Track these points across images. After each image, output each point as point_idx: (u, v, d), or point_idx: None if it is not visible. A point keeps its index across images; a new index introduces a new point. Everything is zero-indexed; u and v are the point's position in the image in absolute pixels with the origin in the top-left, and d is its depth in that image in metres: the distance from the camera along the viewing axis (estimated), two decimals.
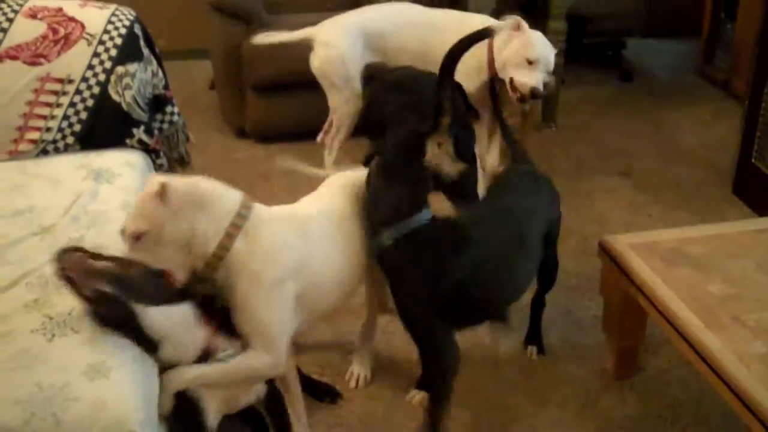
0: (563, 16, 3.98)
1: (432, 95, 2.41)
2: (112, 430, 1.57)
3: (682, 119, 4.38)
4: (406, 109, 2.62)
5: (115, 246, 2.07)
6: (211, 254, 1.89)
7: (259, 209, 2.00)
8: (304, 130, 3.76)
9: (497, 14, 3.92)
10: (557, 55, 4.04)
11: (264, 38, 3.35)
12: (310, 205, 2.20)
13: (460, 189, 2.67)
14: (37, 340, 1.75)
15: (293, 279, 1.97)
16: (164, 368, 1.89)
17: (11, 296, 1.89)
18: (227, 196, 1.95)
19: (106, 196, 2.30)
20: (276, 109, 3.95)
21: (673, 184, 3.71)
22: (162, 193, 1.82)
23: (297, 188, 3.50)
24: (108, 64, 2.60)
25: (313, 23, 4.04)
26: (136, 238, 1.85)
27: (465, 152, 2.63)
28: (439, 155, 2.55)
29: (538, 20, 4.25)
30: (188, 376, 1.87)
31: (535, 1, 4.31)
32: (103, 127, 2.57)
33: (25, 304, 1.86)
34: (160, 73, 2.79)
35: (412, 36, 3.17)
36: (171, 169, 2.86)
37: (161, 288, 1.84)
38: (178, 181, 1.87)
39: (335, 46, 3.17)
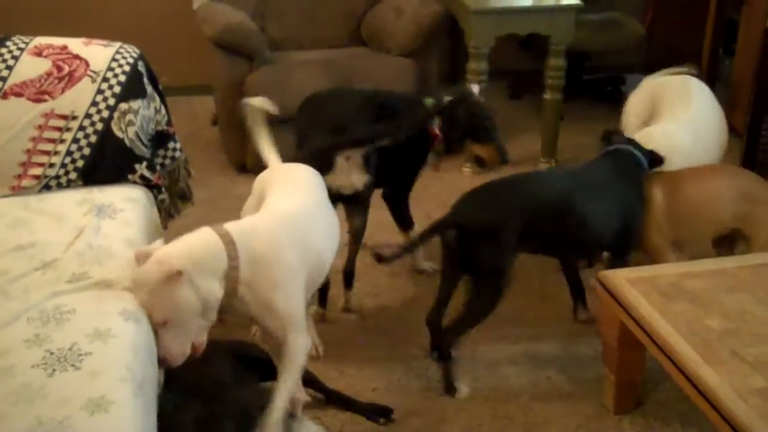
0: (562, 53, 4.02)
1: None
2: None
3: None
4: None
5: (116, 280, 2.11)
6: (224, 297, 2.03)
7: (240, 231, 2.08)
8: None
9: (494, 53, 3.97)
10: (555, 91, 4.09)
11: None
12: (287, 202, 2.32)
13: (361, 200, 2.86)
14: (38, 375, 1.76)
15: (300, 268, 2.16)
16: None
17: (13, 331, 1.90)
18: (210, 249, 2.02)
19: (108, 231, 2.32)
20: (277, 146, 3.97)
21: None
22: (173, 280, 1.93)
23: None
24: (111, 101, 2.63)
25: (315, 60, 4.10)
26: (164, 323, 1.98)
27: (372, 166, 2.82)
28: (348, 167, 2.64)
29: (537, 57, 4.31)
30: (280, 405, 2.13)
31: (534, 39, 4.37)
32: (105, 162, 2.60)
33: (26, 339, 1.87)
34: (163, 110, 2.82)
35: None
36: (172, 204, 2.88)
37: None
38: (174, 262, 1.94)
39: None
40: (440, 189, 3.85)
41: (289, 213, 2.26)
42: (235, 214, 3.62)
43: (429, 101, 2.98)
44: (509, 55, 4.80)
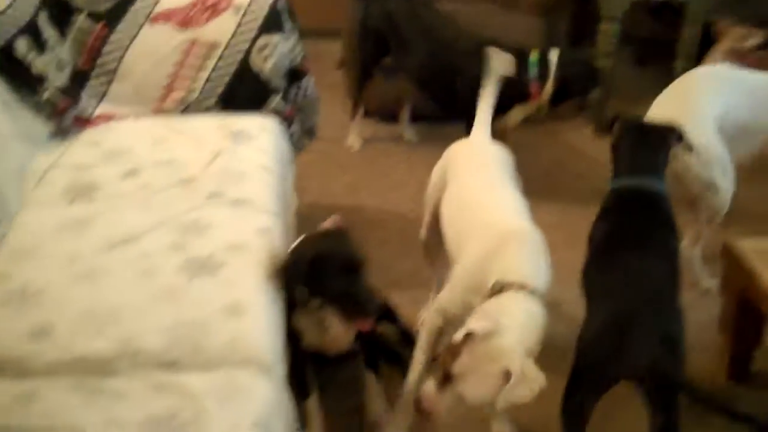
0: (699, 22, 3.91)
1: None
2: (248, 364, 1.67)
3: None
4: None
5: (252, 201, 2.20)
6: None
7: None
8: (426, 112, 3.87)
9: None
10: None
11: None
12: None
13: None
14: (179, 279, 1.87)
15: None
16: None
17: (155, 238, 2.02)
18: None
19: (244, 155, 2.41)
20: (400, 91, 4.00)
21: None
22: None
23: (414, 164, 3.63)
24: (252, 34, 2.71)
25: (459, 11, 4.03)
26: None
27: None
28: None
29: (669, 25, 4.20)
30: None
31: (667, 6, 4.26)
32: (242, 92, 2.69)
33: (167, 246, 1.99)
34: (299, 47, 2.88)
35: None
36: (299, 138, 2.95)
37: None
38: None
39: None
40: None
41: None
42: (357, 155, 3.75)
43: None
44: (638, 20, 4.68)
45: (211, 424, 1.50)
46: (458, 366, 1.79)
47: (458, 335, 1.81)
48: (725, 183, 2.76)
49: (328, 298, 1.99)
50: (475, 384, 1.79)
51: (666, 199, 2.29)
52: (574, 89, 3.28)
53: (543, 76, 3.21)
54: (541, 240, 2.10)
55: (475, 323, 1.81)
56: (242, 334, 1.73)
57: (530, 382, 1.76)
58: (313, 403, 2.15)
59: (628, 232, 2.21)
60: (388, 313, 2.51)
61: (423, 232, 2.56)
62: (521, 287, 1.91)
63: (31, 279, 1.86)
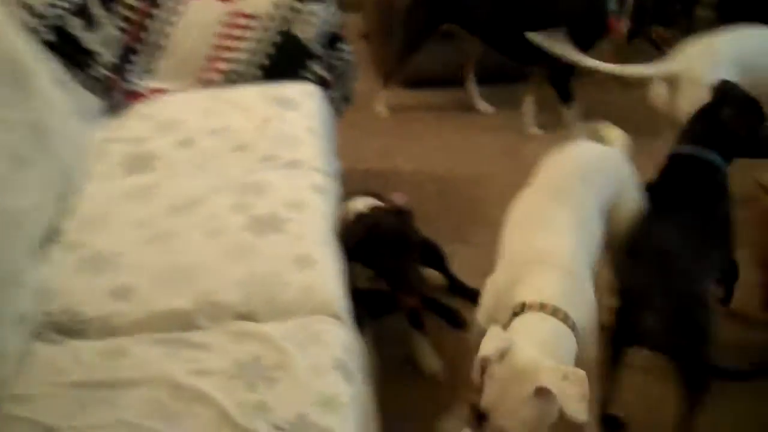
0: None
1: None
2: (320, 312, 1.76)
3: None
4: None
5: (305, 162, 2.27)
6: None
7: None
8: (447, 78, 3.95)
9: None
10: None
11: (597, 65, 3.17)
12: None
13: None
14: (247, 237, 1.95)
15: None
16: None
17: (217, 200, 2.10)
18: None
19: (292, 120, 2.48)
20: (422, 58, 4.03)
21: None
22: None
23: (444, 130, 3.68)
24: (292, 2, 2.76)
25: None
26: None
27: None
28: None
29: None
30: None
31: None
32: (284, 60, 2.75)
33: (231, 206, 2.07)
34: (336, 11, 2.94)
35: None
36: (338, 104, 3.00)
37: None
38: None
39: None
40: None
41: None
42: (385, 121, 3.80)
43: None
44: None
45: (295, 367, 1.57)
46: (485, 400, 1.60)
47: (475, 369, 1.63)
48: None
49: (377, 272, 2.13)
50: (509, 413, 1.57)
51: (721, 171, 2.22)
52: (651, 19, 3.29)
53: (621, 9, 3.22)
54: (584, 270, 1.90)
55: (485, 348, 1.61)
56: (313, 283, 1.81)
57: (576, 388, 1.53)
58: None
59: (667, 198, 2.18)
60: (437, 261, 2.62)
61: None
62: (542, 307, 1.72)
63: (105, 245, 1.94)
